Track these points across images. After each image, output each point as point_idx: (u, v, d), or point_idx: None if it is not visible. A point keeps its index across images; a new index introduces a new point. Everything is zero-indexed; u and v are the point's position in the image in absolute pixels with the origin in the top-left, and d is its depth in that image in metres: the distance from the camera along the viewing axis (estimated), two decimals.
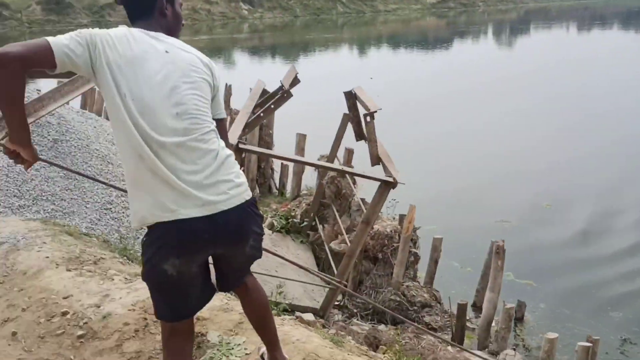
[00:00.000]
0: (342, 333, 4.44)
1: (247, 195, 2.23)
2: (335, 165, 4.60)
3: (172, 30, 2.30)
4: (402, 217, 5.68)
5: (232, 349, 3.16)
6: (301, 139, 7.14)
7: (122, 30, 2.15)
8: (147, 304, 3.55)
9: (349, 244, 5.18)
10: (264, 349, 2.83)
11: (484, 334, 4.93)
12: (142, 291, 3.73)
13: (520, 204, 9.05)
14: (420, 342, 4.50)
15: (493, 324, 4.98)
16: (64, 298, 3.71)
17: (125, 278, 4.00)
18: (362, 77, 17.74)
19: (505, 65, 25.29)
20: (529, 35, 46.70)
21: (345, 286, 5.20)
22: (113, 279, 3.97)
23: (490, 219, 8.36)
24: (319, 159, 5.68)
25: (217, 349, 3.17)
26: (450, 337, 4.90)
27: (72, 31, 2.07)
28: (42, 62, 1.99)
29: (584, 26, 54.20)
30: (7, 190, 5.19)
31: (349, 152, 5.82)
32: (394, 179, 4.49)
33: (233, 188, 2.18)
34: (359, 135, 5.07)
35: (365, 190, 5.89)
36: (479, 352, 4.55)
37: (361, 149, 5.63)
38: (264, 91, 5.01)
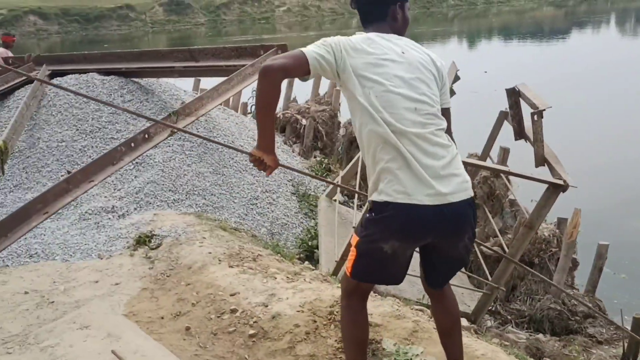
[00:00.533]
0: (505, 343, 4.17)
1: (471, 192, 2.32)
2: (504, 167, 4.34)
3: (401, 32, 2.50)
4: (560, 221, 5.31)
5: (411, 359, 3.02)
6: None
7: (361, 36, 2.38)
8: (314, 305, 3.48)
9: (504, 247, 4.89)
10: None
11: None
12: (307, 292, 3.68)
13: None
14: (590, 357, 4.16)
15: None
16: (231, 295, 3.72)
17: (287, 277, 3.97)
18: (476, 71, 17.04)
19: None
20: None
21: (503, 291, 4.92)
22: (275, 278, 3.95)
23: None
24: (467, 157, 5.42)
25: (395, 358, 3.03)
26: (622, 352, 4.50)
27: (317, 41, 2.31)
28: (299, 71, 2.25)
29: None
30: (163, 184, 5.35)
31: (505, 152, 5.50)
32: (565, 181, 4.16)
33: (462, 183, 2.28)
34: (519, 134, 4.76)
35: (520, 192, 5.57)
36: None
37: (517, 149, 5.33)
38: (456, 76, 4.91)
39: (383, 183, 2.23)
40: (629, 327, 4.59)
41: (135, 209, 5.14)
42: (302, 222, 5.79)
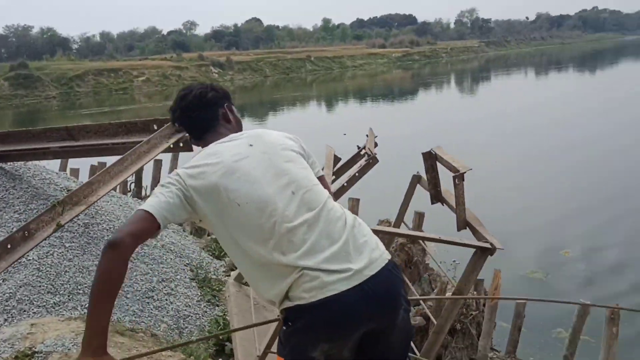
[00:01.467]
0: None
1: (387, 255, 2.08)
2: (432, 234, 4.14)
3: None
4: (477, 282, 5.23)
5: None
6: (354, 203, 6.62)
7: (201, 155, 2.13)
8: None
9: (430, 316, 4.66)
10: None
11: None
12: None
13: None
14: None
15: None
16: None
17: None
18: (335, 133, 17.50)
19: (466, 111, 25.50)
20: (489, 82, 48.01)
21: None
22: None
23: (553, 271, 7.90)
24: (378, 224, 5.22)
25: None
26: None
27: (161, 184, 2.05)
28: (150, 232, 1.97)
29: (540, 71, 56.21)
30: (41, 286, 4.56)
31: (420, 216, 5.37)
32: (492, 244, 4.01)
33: (373, 250, 2.04)
34: (436, 198, 4.63)
35: (437, 258, 5.45)
36: None
37: (432, 212, 5.21)
38: (335, 157, 4.64)
39: (289, 291, 1.95)
40: None
41: (5, 319, 4.29)
42: (206, 312, 5.21)
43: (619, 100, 24.69)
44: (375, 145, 4.94)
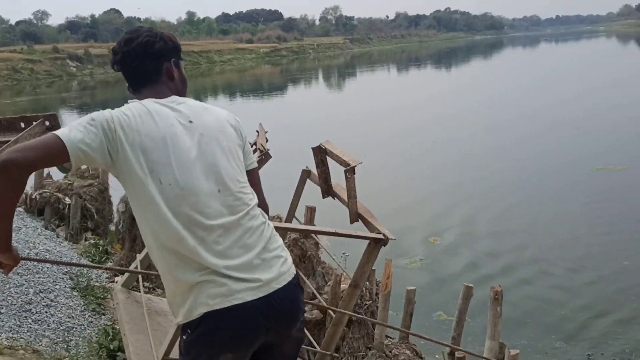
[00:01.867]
0: None
1: (294, 270, 2.06)
2: (327, 228, 4.17)
3: (181, 93, 2.10)
4: (370, 272, 5.36)
5: None
6: None
7: (138, 106, 1.92)
8: None
9: (327, 308, 4.72)
10: None
11: None
12: None
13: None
14: None
15: None
16: None
17: None
18: None
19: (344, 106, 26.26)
20: (354, 77, 49.80)
21: (335, 357, 4.71)
22: None
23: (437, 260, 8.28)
24: (269, 220, 5.18)
25: None
26: None
27: (83, 118, 1.84)
28: (53, 162, 1.83)
29: (402, 67, 59.14)
30: None
31: (311, 210, 5.39)
32: (385, 235, 4.13)
33: (283, 264, 2.00)
34: (327, 192, 4.68)
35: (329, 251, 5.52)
36: None
37: (323, 207, 5.26)
38: None
39: (193, 293, 1.86)
40: None
41: None
42: (91, 322, 4.90)
43: (487, 96, 26.33)
44: (266, 140, 4.89)
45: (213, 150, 1.95)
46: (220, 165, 1.95)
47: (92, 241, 6.63)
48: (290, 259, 2.08)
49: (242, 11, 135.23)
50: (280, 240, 2.12)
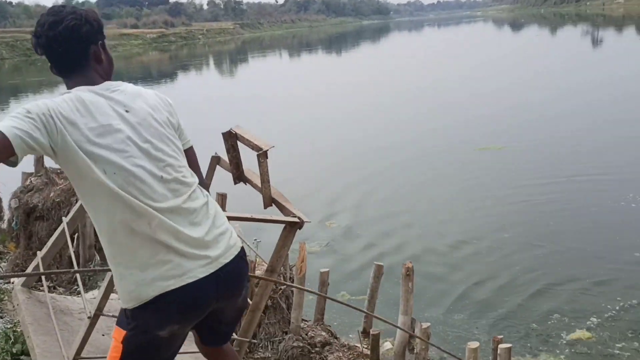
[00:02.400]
0: None
1: (240, 242, 2.18)
2: (242, 214, 4.12)
3: (109, 75, 2.10)
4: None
5: None
6: None
7: (73, 97, 1.90)
8: None
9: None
10: None
11: None
12: None
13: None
14: None
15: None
16: None
17: None
18: None
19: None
20: (246, 63, 49.49)
21: (253, 344, 4.70)
22: None
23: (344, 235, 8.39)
24: None
25: None
26: None
27: (17, 110, 1.78)
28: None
29: (293, 52, 59.42)
30: None
31: (222, 197, 5.28)
32: (300, 218, 4.16)
33: (230, 238, 2.11)
34: (239, 178, 4.62)
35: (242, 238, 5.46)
36: None
37: (236, 193, 5.19)
38: None
39: (146, 275, 1.92)
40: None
41: None
42: None
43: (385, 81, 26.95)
44: None
45: (151, 136, 1.98)
46: (160, 151, 1.98)
47: None
48: (234, 233, 2.16)
49: None
50: (225, 216, 2.18)
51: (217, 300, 2.06)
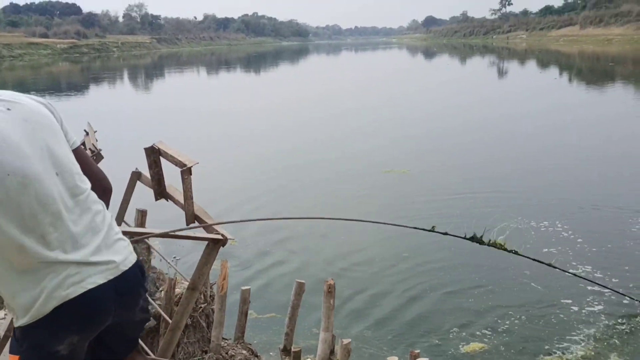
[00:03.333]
0: None
1: (135, 254, 2.15)
2: (163, 230, 4.04)
3: None
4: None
5: None
6: None
7: None
8: None
9: (165, 316, 4.59)
10: None
11: None
12: None
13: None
14: None
15: None
16: None
17: None
18: None
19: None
20: (163, 78, 48.64)
21: None
22: None
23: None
24: None
25: None
26: None
27: None
28: None
29: (212, 69, 59.03)
30: None
31: (142, 214, 5.15)
32: (223, 235, 4.16)
33: (126, 246, 2.07)
34: (160, 194, 4.56)
35: (158, 257, 5.33)
36: None
37: (155, 209, 5.08)
38: None
39: (41, 287, 1.79)
40: None
41: None
42: None
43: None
44: (96, 140, 4.62)
45: (40, 135, 1.85)
46: (53, 149, 1.86)
47: None
48: (130, 244, 2.13)
49: (34, 2, 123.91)
50: (116, 225, 2.12)
51: (117, 308, 1.97)
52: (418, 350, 4.97)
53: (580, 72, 40.66)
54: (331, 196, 11.31)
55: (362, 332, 6.14)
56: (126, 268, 2.00)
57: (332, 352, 5.09)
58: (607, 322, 5.94)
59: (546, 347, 5.59)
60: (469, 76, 41.27)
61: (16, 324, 1.87)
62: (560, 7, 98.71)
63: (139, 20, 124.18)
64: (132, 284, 2.04)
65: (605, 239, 8.04)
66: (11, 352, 1.88)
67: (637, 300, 6.21)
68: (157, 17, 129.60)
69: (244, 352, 5.15)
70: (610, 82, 31.29)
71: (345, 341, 4.79)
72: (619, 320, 5.95)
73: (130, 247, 2.12)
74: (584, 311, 6.17)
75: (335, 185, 12.18)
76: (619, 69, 39.63)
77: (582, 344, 5.59)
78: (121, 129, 17.97)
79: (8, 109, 1.81)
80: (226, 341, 5.29)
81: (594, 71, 40.86)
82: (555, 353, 5.49)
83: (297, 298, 5.62)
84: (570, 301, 6.37)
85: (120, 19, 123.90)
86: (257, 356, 5.23)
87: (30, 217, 1.75)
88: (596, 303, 6.30)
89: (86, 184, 1.98)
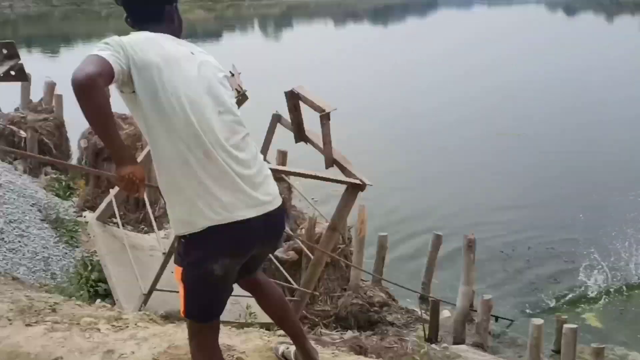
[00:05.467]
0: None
1: (279, 197, 2.26)
2: (306, 171, 4.22)
3: (178, 34, 2.26)
4: None
5: None
6: None
7: (144, 34, 2.08)
8: (173, 355, 2.86)
9: (307, 251, 4.83)
10: (282, 347, 2.78)
11: (461, 328, 4.98)
12: (153, 340, 3.01)
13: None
14: (406, 345, 4.37)
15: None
16: None
17: (112, 325, 3.20)
18: None
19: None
20: (291, 28, 48.97)
21: (314, 295, 4.85)
22: (99, 329, 3.13)
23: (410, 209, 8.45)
24: None
25: None
26: (424, 334, 4.86)
27: (102, 47, 1.92)
28: (108, 78, 1.88)
29: (339, 21, 58.53)
30: None
31: (282, 155, 5.38)
32: (362, 181, 4.23)
33: (275, 187, 2.22)
34: (300, 137, 4.70)
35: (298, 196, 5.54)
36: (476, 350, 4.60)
37: (294, 152, 5.23)
38: None
39: (195, 207, 2.01)
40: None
41: None
42: (66, 254, 4.85)
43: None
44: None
45: (211, 78, 2.12)
46: (219, 91, 2.12)
47: (53, 175, 6.42)
48: (276, 185, 2.27)
49: None
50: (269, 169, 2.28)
51: (263, 243, 2.18)
52: (566, 316, 4.87)
53: None
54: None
55: (499, 287, 6.10)
56: (273, 208, 2.14)
57: (471, 305, 5.12)
58: None
59: None
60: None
61: (175, 233, 2.14)
62: None
63: None
64: (278, 224, 2.22)
65: None
66: (176, 263, 2.12)
67: None
68: None
69: (382, 294, 5.30)
70: None
71: (487, 297, 4.79)
72: None
73: (277, 189, 2.24)
74: None
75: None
76: None
77: None
78: (258, 72, 18.54)
79: (192, 53, 2.12)
80: (365, 282, 5.47)
81: None
82: None
83: (434, 249, 5.67)
84: None
85: None
86: (394, 300, 5.38)
87: (192, 134, 1.99)
88: None
89: (243, 125, 2.17)
